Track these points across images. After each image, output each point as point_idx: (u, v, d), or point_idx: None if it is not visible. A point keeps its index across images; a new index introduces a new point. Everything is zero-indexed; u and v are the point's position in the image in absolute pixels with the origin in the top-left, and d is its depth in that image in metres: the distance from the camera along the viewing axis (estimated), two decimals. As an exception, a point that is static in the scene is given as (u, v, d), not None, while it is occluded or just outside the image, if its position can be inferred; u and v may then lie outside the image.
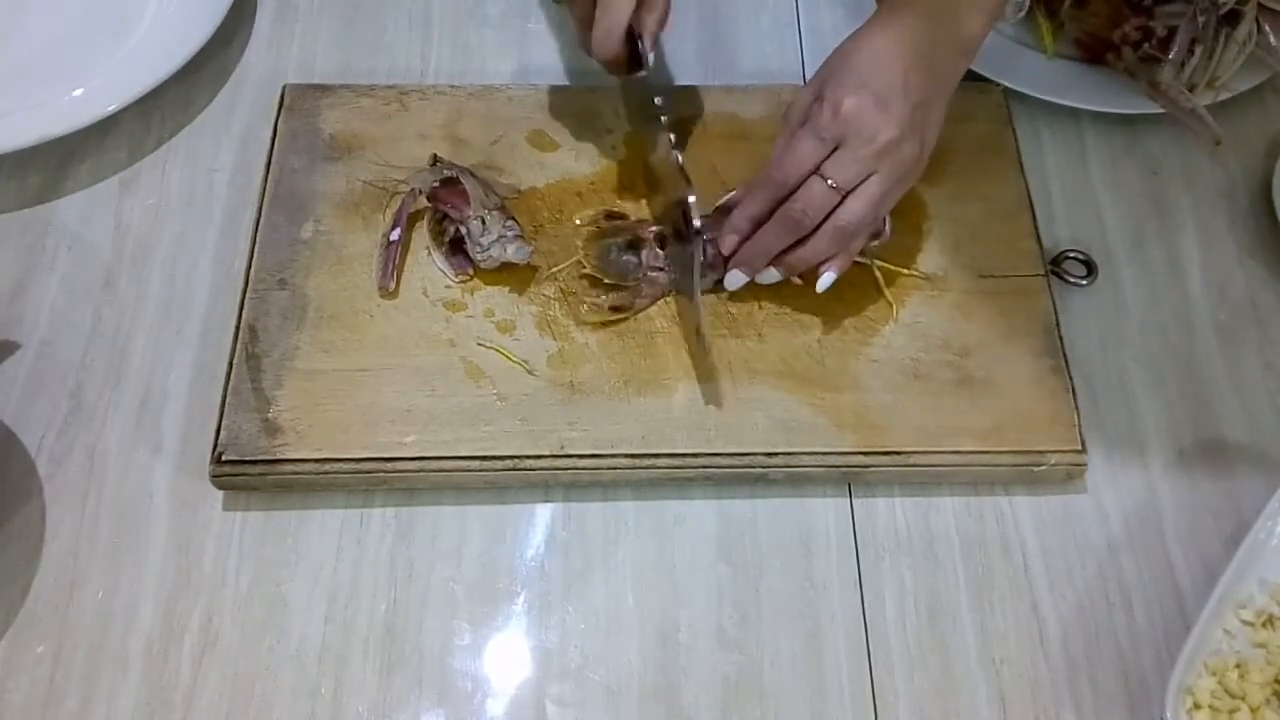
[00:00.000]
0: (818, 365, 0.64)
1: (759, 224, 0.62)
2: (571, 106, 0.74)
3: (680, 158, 0.61)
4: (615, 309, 0.65)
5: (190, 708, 0.56)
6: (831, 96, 0.58)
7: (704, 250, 0.62)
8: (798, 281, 0.65)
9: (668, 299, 0.66)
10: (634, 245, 0.67)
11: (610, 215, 0.69)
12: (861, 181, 0.58)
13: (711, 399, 0.62)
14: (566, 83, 0.77)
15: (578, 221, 0.68)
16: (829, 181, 0.58)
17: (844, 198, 0.59)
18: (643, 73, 0.64)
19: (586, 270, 0.66)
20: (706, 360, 0.63)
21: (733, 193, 0.66)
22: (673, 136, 0.62)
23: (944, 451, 0.62)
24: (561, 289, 0.66)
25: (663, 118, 0.63)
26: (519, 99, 0.74)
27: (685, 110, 0.74)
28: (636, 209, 0.70)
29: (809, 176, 0.59)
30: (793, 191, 0.60)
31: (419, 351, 0.63)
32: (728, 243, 0.63)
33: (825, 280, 0.61)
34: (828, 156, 0.58)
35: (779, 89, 0.75)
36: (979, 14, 0.60)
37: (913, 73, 0.58)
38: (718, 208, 0.66)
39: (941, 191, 0.71)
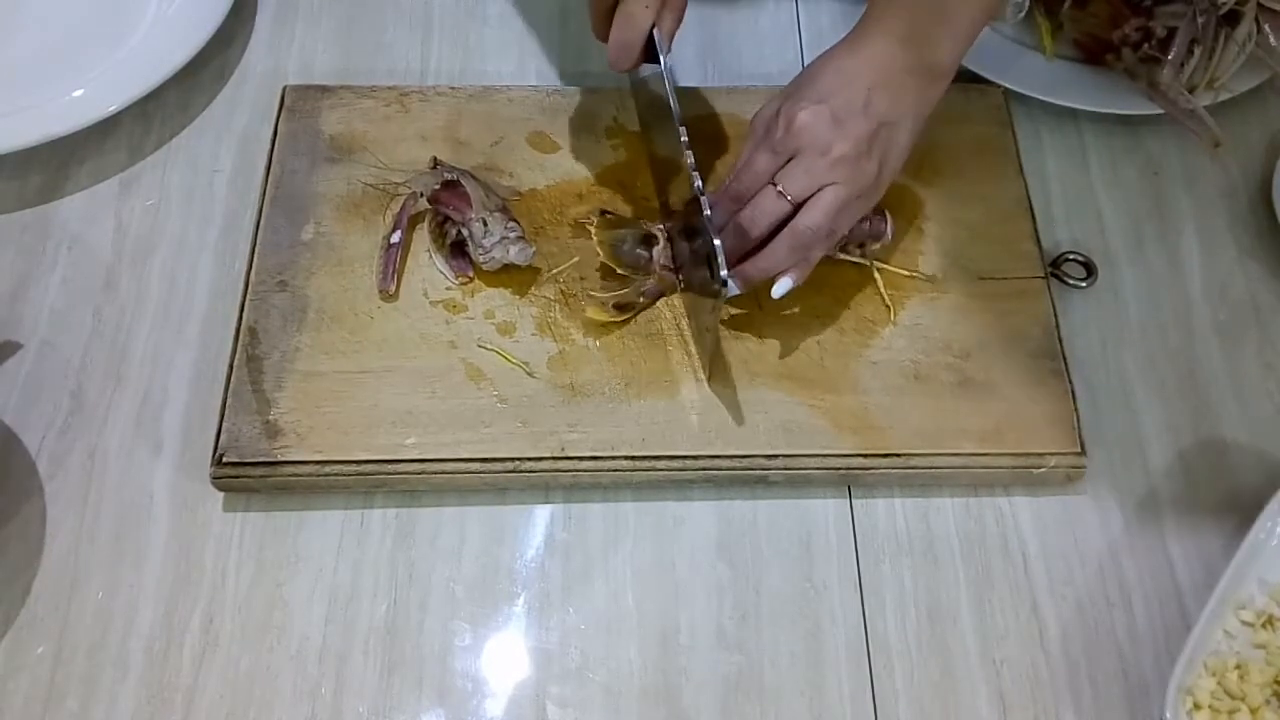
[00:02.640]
0: (818, 367, 0.64)
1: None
2: (572, 107, 0.74)
3: (693, 157, 0.61)
4: (619, 307, 0.65)
5: (190, 708, 0.56)
6: (788, 111, 0.59)
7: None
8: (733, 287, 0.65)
9: (669, 299, 0.66)
10: (647, 240, 0.67)
11: (604, 213, 0.69)
12: (815, 192, 0.58)
13: (714, 400, 0.62)
14: (567, 84, 0.77)
15: (574, 217, 0.68)
16: (778, 188, 0.58)
17: (798, 208, 0.59)
18: (657, 67, 0.64)
19: (601, 259, 0.66)
20: (719, 359, 0.63)
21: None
22: (684, 132, 0.62)
23: (944, 453, 0.62)
24: (562, 291, 0.66)
25: (675, 109, 0.63)
26: (519, 100, 0.74)
27: (686, 110, 0.73)
28: (636, 209, 0.70)
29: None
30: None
31: (419, 353, 0.63)
32: None
33: (779, 287, 0.60)
34: (781, 168, 0.59)
35: (779, 89, 0.74)
36: (951, 42, 0.60)
37: (877, 93, 0.58)
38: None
39: (941, 193, 0.71)
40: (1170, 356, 0.68)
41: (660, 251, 0.66)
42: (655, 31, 0.64)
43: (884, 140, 0.59)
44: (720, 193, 0.62)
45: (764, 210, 0.59)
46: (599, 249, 0.66)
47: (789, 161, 0.59)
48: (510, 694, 0.57)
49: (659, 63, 0.64)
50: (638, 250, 0.66)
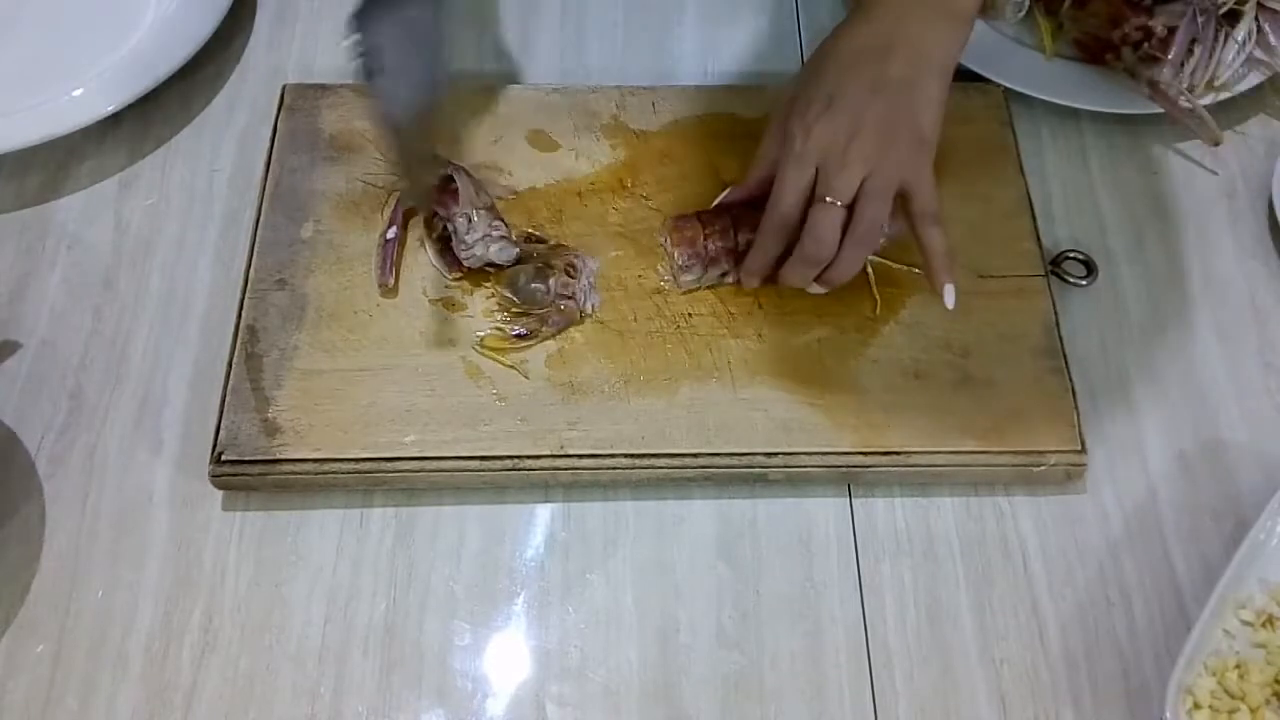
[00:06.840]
0: (818, 365, 0.64)
1: (775, 264, 0.62)
2: (571, 106, 0.74)
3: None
4: (520, 336, 0.64)
5: (190, 708, 0.56)
6: (802, 118, 0.59)
7: (708, 247, 0.65)
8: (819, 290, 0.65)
9: (667, 297, 0.66)
10: (541, 273, 0.65)
11: (530, 238, 0.67)
12: (859, 185, 0.58)
13: (713, 398, 0.62)
14: (566, 83, 0.77)
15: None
16: (828, 199, 0.58)
17: (850, 208, 0.58)
18: None
19: (494, 296, 0.65)
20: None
21: (726, 190, 0.66)
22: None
23: (944, 451, 0.62)
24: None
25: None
26: (519, 99, 0.74)
27: (685, 110, 0.74)
28: (636, 209, 0.69)
29: (810, 205, 0.59)
30: (797, 220, 0.60)
31: (418, 351, 0.63)
32: (752, 284, 0.64)
33: (949, 297, 0.61)
34: (816, 177, 0.59)
35: (779, 89, 0.74)
36: None
37: (888, 63, 0.58)
38: (718, 206, 0.66)
39: (941, 191, 0.69)
40: (1170, 356, 0.68)
41: (556, 283, 0.65)
42: None
43: (906, 104, 0.59)
44: (765, 223, 0.61)
45: (826, 227, 0.59)
46: (493, 289, 0.65)
47: (818, 170, 0.59)
48: (510, 693, 0.57)
49: None
50: (533, 285, 0.65)
